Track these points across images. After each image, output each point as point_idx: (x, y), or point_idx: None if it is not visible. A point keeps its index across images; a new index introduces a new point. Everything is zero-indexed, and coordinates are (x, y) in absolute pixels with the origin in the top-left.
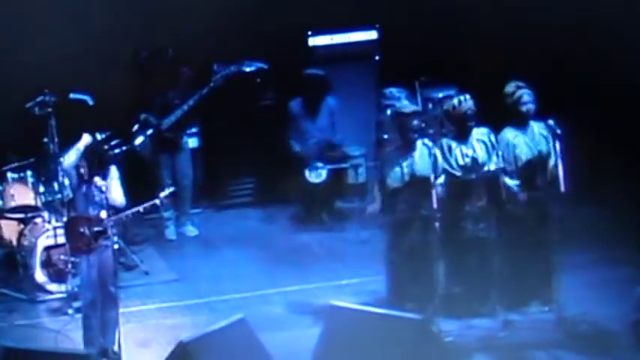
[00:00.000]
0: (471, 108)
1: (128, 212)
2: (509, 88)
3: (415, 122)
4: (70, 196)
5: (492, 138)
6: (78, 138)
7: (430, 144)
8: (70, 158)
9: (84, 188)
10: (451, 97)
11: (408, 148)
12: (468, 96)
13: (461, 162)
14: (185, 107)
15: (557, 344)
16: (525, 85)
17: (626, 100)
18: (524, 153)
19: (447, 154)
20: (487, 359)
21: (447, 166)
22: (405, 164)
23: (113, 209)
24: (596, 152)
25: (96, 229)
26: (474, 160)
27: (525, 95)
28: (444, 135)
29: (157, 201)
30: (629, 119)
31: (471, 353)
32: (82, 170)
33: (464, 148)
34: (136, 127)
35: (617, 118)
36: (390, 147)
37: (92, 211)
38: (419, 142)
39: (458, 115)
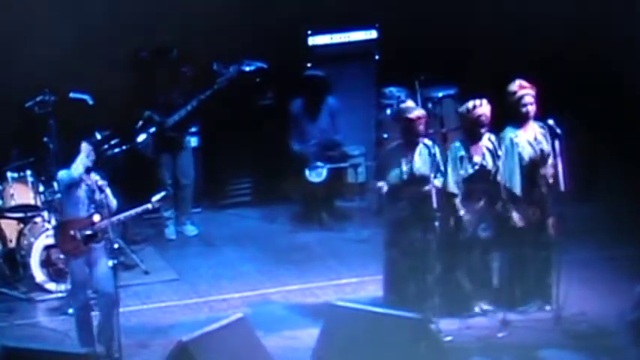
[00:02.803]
0: (484, 114)
1: (120, 216)
2: (512, 87)
3: (421, 127)
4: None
5: (496, 142)
6: (78, 137)
7: (430, 143)
8: (78, 169)
9: (84, 187)
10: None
11: (410, 147)
12: (485, 101)
13: (470, 170)
14: (189, 107)
15: (557, 344)
16: (528, 85)
17: (625, 100)
18: (526, 152)
19: (458, 163)
20: (486, 359)
21: (454, 174)
22: (405, 163)
23: (108, 210)
24: (595, 151)
25: (87, 232)
26: (482, 166)
27: (527, 96)
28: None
29: (149, 205)
30: (629, 119)
31: (470, 353)
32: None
33: (474, 156)
34: (139, 124)
35: (617, 118)
36: (389, 145)
37: (88, 212)
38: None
39: (470, 119)
